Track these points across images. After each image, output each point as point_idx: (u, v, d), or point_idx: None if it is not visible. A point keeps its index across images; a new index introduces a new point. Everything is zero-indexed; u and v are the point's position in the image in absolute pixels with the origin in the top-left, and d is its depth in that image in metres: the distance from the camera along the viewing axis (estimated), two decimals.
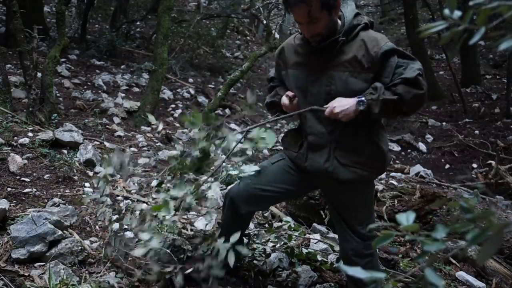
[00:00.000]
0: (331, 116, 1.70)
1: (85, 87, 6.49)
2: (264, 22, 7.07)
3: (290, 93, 1.88)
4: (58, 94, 5.63)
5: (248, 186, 1.96)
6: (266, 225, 2.78)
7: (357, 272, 0.48)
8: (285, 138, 2.06)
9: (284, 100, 1.89)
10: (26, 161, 3.34)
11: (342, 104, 1.68)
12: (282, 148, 2.09)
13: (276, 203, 3.15)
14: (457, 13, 0.58)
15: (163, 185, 1.54)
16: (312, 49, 1.80)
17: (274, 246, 2.57)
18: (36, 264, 2.15)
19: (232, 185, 2.03)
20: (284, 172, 1.99)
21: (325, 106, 1.73)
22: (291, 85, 1.93)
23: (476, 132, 7.58)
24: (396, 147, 7.14)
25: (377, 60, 1.70)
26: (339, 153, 1.80)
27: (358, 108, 1.66)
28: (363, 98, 1.67)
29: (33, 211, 2.52)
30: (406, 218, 0.58)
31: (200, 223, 2.86)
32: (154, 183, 3.22)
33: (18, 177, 3.10)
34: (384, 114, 1.72)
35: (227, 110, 7.04)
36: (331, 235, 3.01)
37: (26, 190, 2.93)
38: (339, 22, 1.80)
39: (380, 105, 1.65)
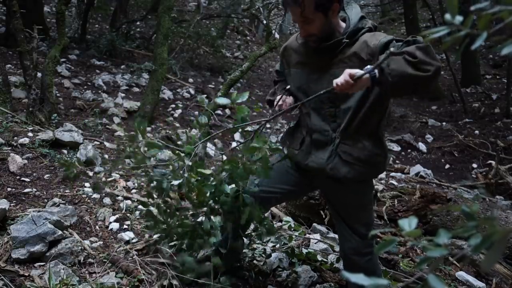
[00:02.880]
0: (342, 89, 1.54)
1: (85, 87, 6.49)
2: (264, 22, 7.06)
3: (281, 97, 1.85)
4: (58, 94, 5.64)
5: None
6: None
7: (359, 278, 0.48)
8: (286, 136, 2.05)
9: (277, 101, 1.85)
10: (26, 161, 3.34)
11: (350, 71, 1.52)
12: (282, 146, 2.08)
13: (278, 204, 3.16)
14: (459, 18, 0.58)
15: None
16: (314, 48, 1.80)
17: (274, 246, 2.57)
18: (36, 264, 2.15)
19: None
20: (284, 173, 1.99)
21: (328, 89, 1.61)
22: (292, 84, 1.93)
23: (476, 132, 7.58)
24: (396, 147, 7.13)
25: (377, 50, 1.65)
26: (342, 149, 1.79)
27: (365, 69, 1.51)
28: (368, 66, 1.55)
29: (33, 211, 2.52)
30: (408, 224, 0.57)
31: None
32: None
33: (18, 177, 3.10)
34: (396, 79, 1.49)
35: (227, 111, 7.04)
36: (331, 235, 3.01)
37: (26, 190, 2.93)
38: (343, 24, 1.80)
39: (389, 61, 1.48)
